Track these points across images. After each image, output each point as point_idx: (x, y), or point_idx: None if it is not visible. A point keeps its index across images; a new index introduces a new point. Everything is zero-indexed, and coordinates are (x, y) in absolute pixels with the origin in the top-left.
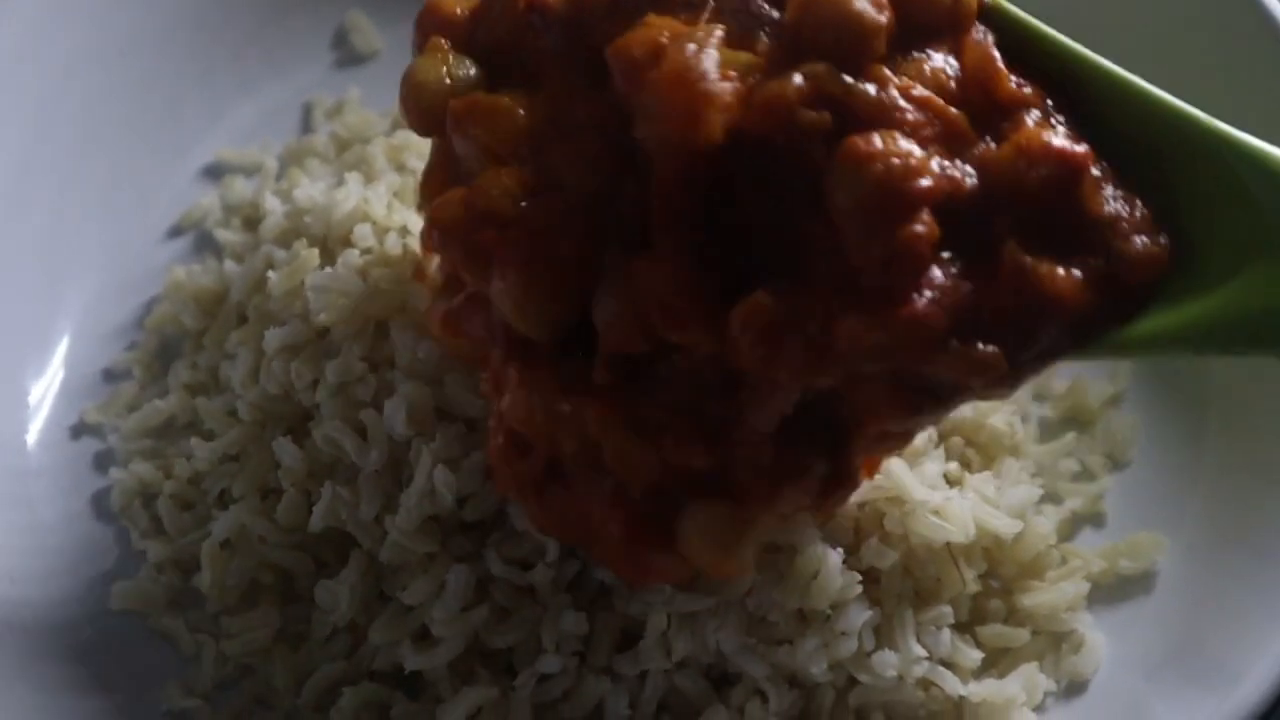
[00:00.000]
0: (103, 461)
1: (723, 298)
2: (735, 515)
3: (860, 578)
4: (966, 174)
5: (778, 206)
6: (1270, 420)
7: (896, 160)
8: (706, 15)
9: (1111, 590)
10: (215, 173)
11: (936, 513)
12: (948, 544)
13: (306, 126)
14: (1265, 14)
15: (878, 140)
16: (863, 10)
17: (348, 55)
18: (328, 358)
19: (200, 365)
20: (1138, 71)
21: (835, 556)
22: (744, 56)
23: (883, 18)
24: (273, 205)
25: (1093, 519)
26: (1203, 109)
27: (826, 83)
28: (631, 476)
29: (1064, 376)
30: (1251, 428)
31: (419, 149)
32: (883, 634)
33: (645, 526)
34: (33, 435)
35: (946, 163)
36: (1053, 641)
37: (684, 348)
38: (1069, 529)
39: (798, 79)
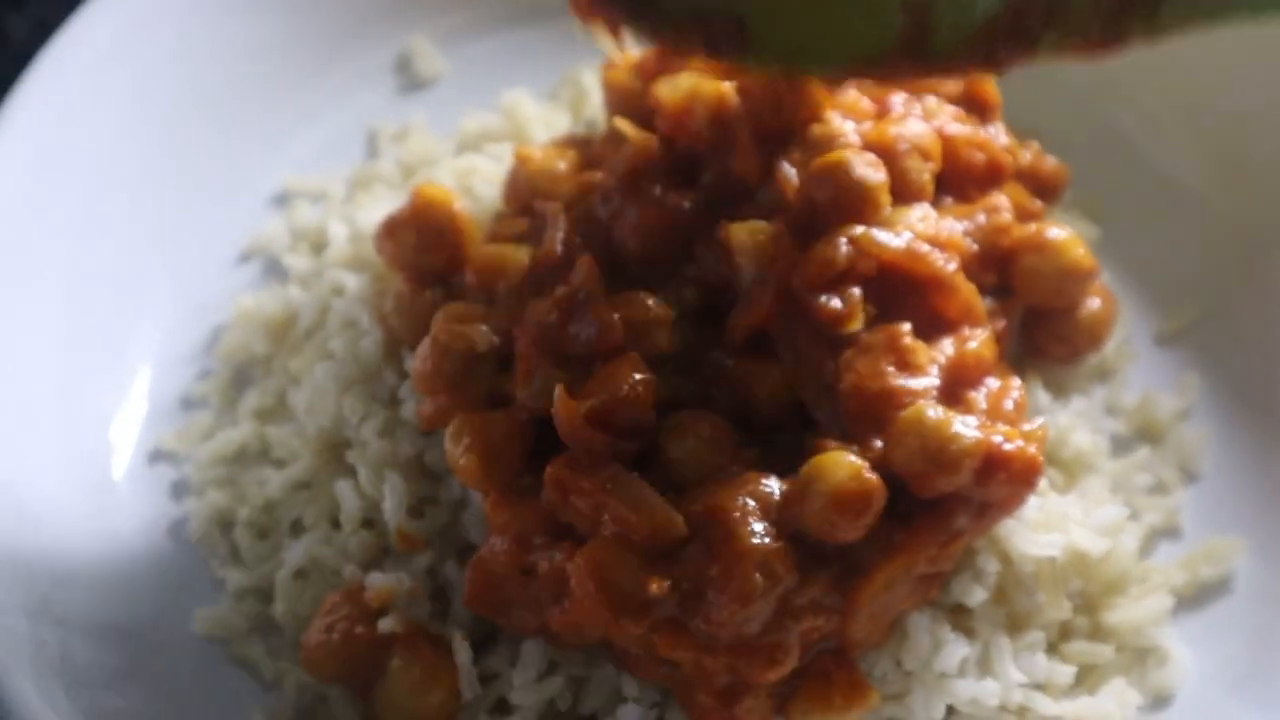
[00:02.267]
0: (179, 490)
1: None
2: None
3: (948, 626)
4: None
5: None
6: None
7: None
8: None
9: (1193, 600)
10: (283, 200)
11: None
12: (1053, 561)
13: (371, 152)
14: None
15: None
16: (863, 176)
17: (411, 81)
18: (375, 398)
19: (269, 391)
20: None
21: (920, 620)
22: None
23: (881, 176)
24: (336, 231)
25: (1169, 532)
26: None
27: (868, 245)
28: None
29: (1133, 391)
30: None
31: (486, 174)
32: (982, 665)
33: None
34: (116, 464)
35: None
36: (1138, 657)
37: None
38: (1147, 543)
39: (844, 245)
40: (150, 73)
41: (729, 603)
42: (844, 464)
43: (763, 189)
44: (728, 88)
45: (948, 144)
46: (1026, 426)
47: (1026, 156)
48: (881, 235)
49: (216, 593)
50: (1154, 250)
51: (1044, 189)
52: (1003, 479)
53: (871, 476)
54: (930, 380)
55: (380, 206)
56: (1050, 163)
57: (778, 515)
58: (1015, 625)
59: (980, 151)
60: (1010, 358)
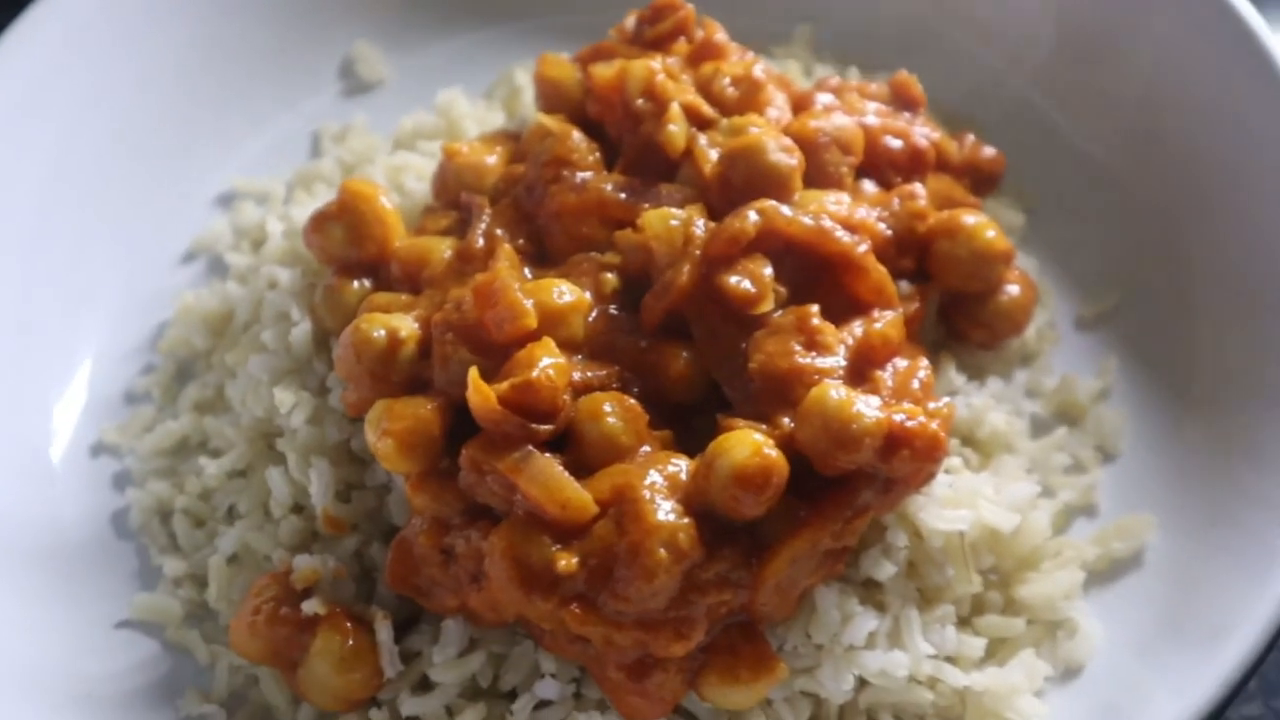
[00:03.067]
0: (121, 481)
1: None
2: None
3: (857, 600)
4: None
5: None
6: (1247, 407)
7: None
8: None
9: (1104, 574)
10: (228, 200)
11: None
12: (961, 536)
13: (316, 154)
14: None
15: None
16: (777, 160)
17: (355, 84)
18: (305, 387)
19: (209, 384)
20: None
21: (828, 595)
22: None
23: (794, 161)
24: (274, 228)
25: (1086, 510)
26: None
27: (774, 217)
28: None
29: (1054, 373)
30: (1231, 413)
31: (418, 170)
32: (891, 637)
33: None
34: (57, 454)
35: None
36: (1048, 630)
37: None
38: (1063, 520)
39: (753, 216)
40: (101, 74)
41: (635, 578)
42: (746, 441)
43: (681, 168)
44: (658, 65)
45: (869, 133)
46: (933, 405)
47: (962, 149)
48: (790, 210)
49: (156, 582)
50: (1077, 237)
51: (982, 180)
52: (906, 455)
53: (772, 453)
54: (837, 360)
55: (318, 204)
56: (987, 153)
57: (685, 493)
58: (926, 599)
59: (900, 139)
60: (930, 343)
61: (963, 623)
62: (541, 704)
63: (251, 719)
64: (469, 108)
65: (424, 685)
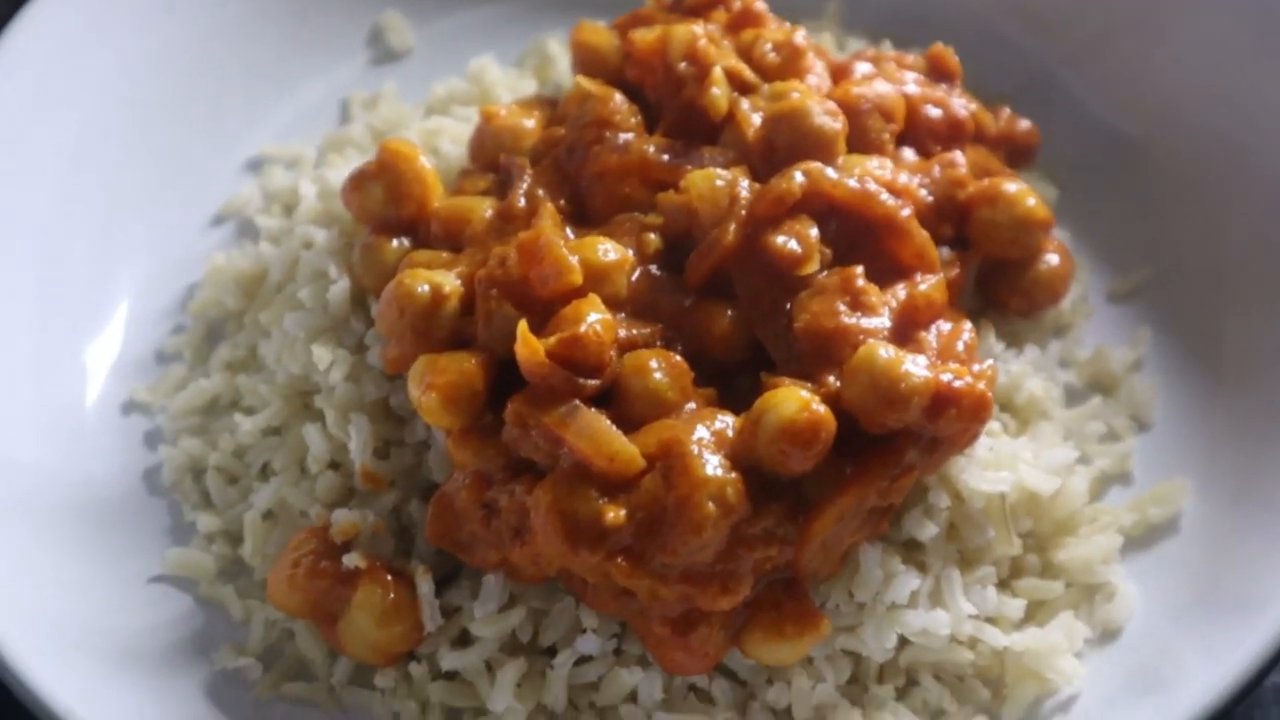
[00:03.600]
0: (152, 440)
1: None
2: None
3: (899, 559)
4: None
5: None
6: (1277, 381)
7: None
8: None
9: (1141, 540)
10: (257, 166)
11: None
12: (1002, 498)
13: (344, 121)
14: None
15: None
16: (822, 123)
17: (383, 53)
18: (342, 345)
19: (241, 344)
20: None
21: (871, 553)
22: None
23: (838, 124)
24: (307, 189)
25: (1120, 478)
26: None
27: (820, 179)
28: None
29: (1087, 345)
30: (1263, 383)
31: (453, 134)
32: (933, 597)
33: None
34: (89, 413)
35: None
36: (1086, 593)
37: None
38: (1098, 488)
39: (799, 177)
40: (131, 40)
41: (683, 531)
42: (794, 397)
43: (723, 132)
44: (700, 30)
45: (908, 102)
46: (977, 367)
47: (998, 122)
48: (835, 173)
49: (189, 538)
50: (1110, 212)
51: (1018, 153)
52: (953, 415)
53: (820, 408)
54: (882, 321)
55: (350, 167)
56: (1023, 126)
57: (732, 449)
58: (966, 560)
59: (939, 109)
60: (968, 311)
61: (1002, 585)
62: (582, 659)
63: (287, 673)
64: (501, 75)
65: (463, 640)
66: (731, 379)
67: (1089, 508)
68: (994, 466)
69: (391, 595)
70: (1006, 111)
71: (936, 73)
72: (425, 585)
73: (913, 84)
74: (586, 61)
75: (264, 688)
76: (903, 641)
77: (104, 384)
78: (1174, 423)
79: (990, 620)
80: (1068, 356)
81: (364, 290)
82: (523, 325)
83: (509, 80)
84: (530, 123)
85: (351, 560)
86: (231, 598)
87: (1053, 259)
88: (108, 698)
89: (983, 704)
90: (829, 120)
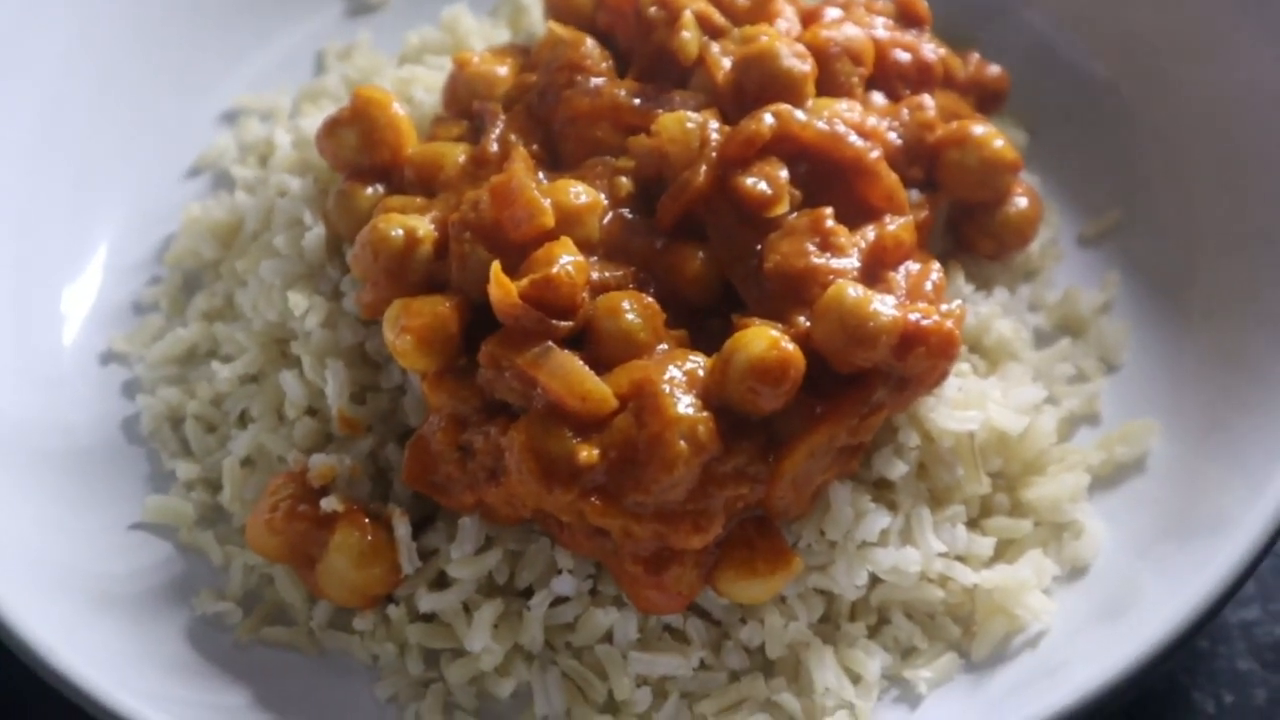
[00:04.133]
0: (130, 389)
1: None
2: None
3: (869, 498)
4: None
5: None
6: (1246, 318)
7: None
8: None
9: (1109, 479)
10: (233, 117)
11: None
12: (971, 436)
13: (319, 72)
14: None
15: None
16: (791, 65)
17: (357, 4)
18: (318, 291)
19: (217, 293)
20: None
21: (842, 492)
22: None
23: (807, 67)
24: (282, 139)
25: (1089, 419)
26: None
27: (789, 121)
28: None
29: (1056, 288)
30: (1231, 325)
31: (426, 83)
32: (903, 535)
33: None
34: (66, 362)
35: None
36: (1055, 531)
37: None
38: (1067, 429)
39: (769, 118)
40: None
41: (655, 469)
42: (763, 336)
43: (694, 76)
44: None
45: (877, 46)
46: (945, 307)
47: (968, 67)
48: (804, 115)
49: (168, 485)
50: (1080, 156)
51: (988, 98)
52: (921, 353)
53: (789, 346)
54: (851, 261)
55: (325, 116)
56: (992, 71)
57: (703, 388)
58: (936, 499)
59: (907, 52)
60: (938, 254)
61: (971, 524)
62: (558, 600)
63: (267, 617)
64: (474, 24)
65: (441, 582)
66: (703, 320)
67: (1057, 447)
68: (963, 406)
69: (369, 537)
70: (976, 56)
71: (906, 18)
72: (402, 527)
73: (882, 28)
74: (559, 8)
75: (244, 631)
76: (874, 580)
77: (82, 334)
78: (1142, 364)
79: (960, 558)
80: (1037, 299)
81: (339, 237)
82: (496, 267)
83: (482, 29)
84: (503, 70)
85: (329, 504)
86: (211, 544)
87: (1021, 202)
88: (89, 640)
89: (953, 641)
90: (798, 63)
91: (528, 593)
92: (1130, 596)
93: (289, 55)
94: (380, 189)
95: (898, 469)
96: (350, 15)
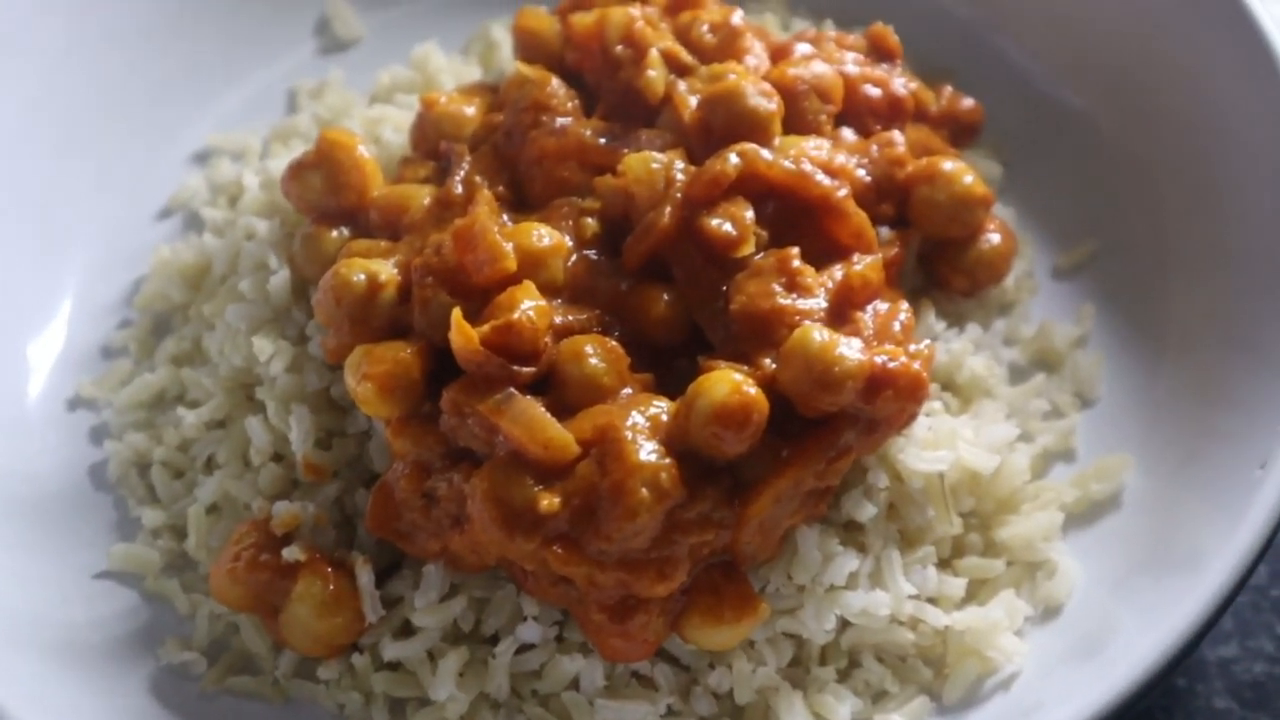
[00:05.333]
0: (98, 435)
1: None
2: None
3: (838, 541)
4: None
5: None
6: (1218, 347)
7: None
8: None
9: (1084, 516)
10: (204, 158)
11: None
12: (941, 477)
13: (292, 110)
14: None
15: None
16: (757, 104)
17: (331, 42)
18: (284, 336)
19: (186, 337)
20: None
21: (809, 535)
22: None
23: (773, 105)
24: (250, 180)
25: (1064, 455)
26: None
27: (755, 160)
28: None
29: (1032, 321)
30: (1203, 355)
31: (395, 122)
32: (873, 578)
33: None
34: (34, 408)
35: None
36: (1028, 570)
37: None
38: (1042, 465)
39: (734, 158)
40: (74, 30)
41: (617, 517)
42: (726, 380)
43: (661, 114)
44: (637, 12)
45: (848, 82)
46: (914, 347)
47: (940, 100)
48: (770, 154)
49: (135, 533)
50: (1054, 188)
51: (962, 131)
52: (889, 396)
53: (751, 390)
54: (818, 301)
55: (294, 157)
56: (966, 104)
57: (667, 434)
58: (907, 540)
59: (878, 88)
60: (911, 290)
61: (944, 564)
62: (524, 647)
63: (232, 666)
64: (445, 61)
65: (406, 630)
66: (671, 362)
67: (1032, 485)
68: (933, 446)
69: (331, 587)
70: (949, 90)
71: (878, 52)
72: (365, 576)
73: (852, 64)
74: (528, 46)
75: (209, 681)
76: (844, 623)
77: (50, 379)
78: (1117, 398)
79: (931, 600)
80: (1013, 334)
81: (305, 280)
82: (456, 313)
83: (453, 67)
84: (471, 110)
85: (291, 553)
86: (177, 592)
87: (994, 238)
88: (51, 693)
89: (925, 684)
90: (763, 101)
91: (494, 640)
92: (1104, 635)
93: (263, 94)
94: (346, 232)
95: (867, 511)
96: (323, 53)
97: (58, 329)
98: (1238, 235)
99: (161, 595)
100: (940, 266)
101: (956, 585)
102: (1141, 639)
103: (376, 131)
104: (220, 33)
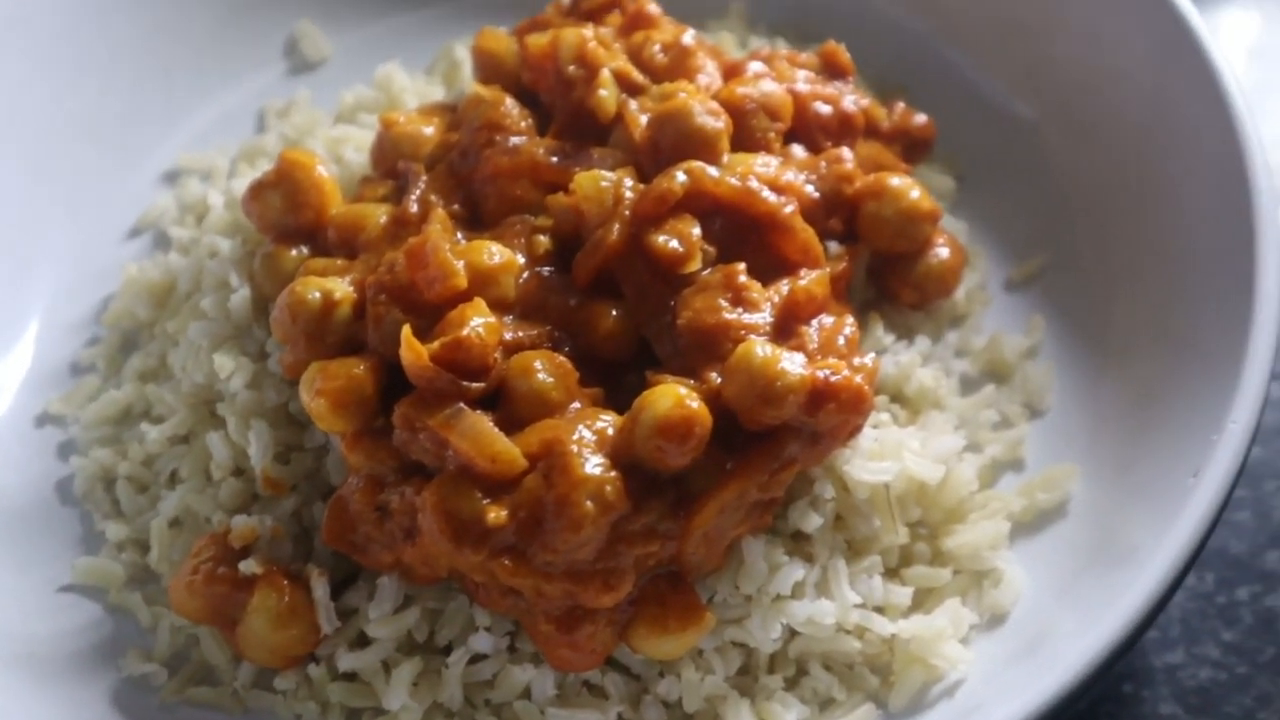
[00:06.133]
0: (65, 451)
1: None
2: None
3: (784, 551)
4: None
5: None
6: (1156, 357)
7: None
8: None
9: (1031, 525)
10: (174, 177)
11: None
12: (886, 488)
13: (261, 130)
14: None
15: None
16: (704, 123)
17: (299, 62)
18: (245, 353)
19: (152, 354)
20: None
21: (755, 546)
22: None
23: (720, 124)
24: (215, 200)
25: (1013, 464)
26: None
27: (701, 178)
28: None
29: (983, 333)
30: (1143, 365)
31: (357, 142)
32: (819, 587)
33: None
34: (2, 425)
35: None
36: (975, 579)
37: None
38: (991, 475)
39: (681, 176)
40: (43, 51)
41: (563, 530)
42: (669, 394)
43: (613, 133)
44: (590, 33)
45: (798, 99)
46: (857, 361)
47: (892, 116)
48: (717, 171)
49: (100, 547)
50: (1006, 202)
51: (915, 146)
52: (831, 409)
53: (694, 404)
54: (763, 316)
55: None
56: (918, 120)
57: (612, 447)
58: (853, 551)
59: (829, 105)
60: (861, 304)
61: (891, 574)
62: (476, 657)
63: (193, 678)
64: (408, 81)
65: (361, 641)
66: (620, 377)
67: (979, 494)
68: (878, 457)
69: (286, 599)
70: (901, 105)
71: (830, 70)
72: (320, 588)
73: (804, 81)
74: (487, 67)
75: (169, 693)
76: (792, 632)
77: (19, 396)
78: (1066, 407)
79: (878, 609)
80: (964, 345)
81: (266, 298)
82: (406, 330)
83: (416, 86)
84: (429, 129)
85: (248, 566)
86: (139, 605)
87: (943, 252)
88: (12, 705)
89: (871, 691)
90: (711, 120)
91: (447, 650)
92: (1045, 637)
93: (232, 114)
94: (305, 250)
95: (813, 521)
96: (292, 73)
97: (26, 346)
98: (1181, 246)
99: (124, 608)
100: (890, 280)
101: (903, 594)
102: (1080, 638)
103: (339, 151)
104: (191, 53)
